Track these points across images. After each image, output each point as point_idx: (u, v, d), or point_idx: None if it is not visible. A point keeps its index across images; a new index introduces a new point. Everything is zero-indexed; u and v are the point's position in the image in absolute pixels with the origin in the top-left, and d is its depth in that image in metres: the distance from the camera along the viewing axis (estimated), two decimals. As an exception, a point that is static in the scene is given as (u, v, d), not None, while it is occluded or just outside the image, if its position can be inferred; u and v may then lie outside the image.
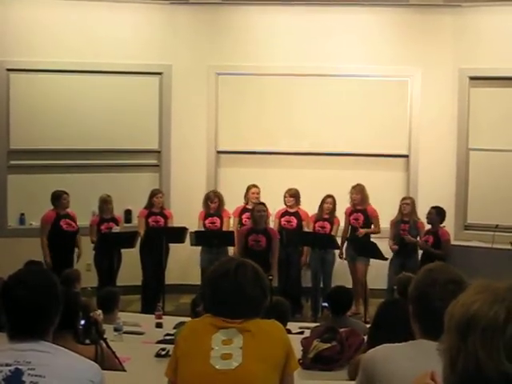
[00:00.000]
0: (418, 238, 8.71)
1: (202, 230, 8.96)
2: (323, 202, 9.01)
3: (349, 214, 9.13)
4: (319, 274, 8.84)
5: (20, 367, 2.26)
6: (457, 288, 2.24)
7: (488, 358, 1.22)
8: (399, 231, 8.77)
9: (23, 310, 2.34)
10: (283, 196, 9.13)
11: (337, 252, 8.97)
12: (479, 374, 1.22)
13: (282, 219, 9.12)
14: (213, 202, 9.01)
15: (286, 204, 9.15)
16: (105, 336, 4.18)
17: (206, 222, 9.06)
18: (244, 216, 9.14)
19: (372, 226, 9.02)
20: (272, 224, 8.98)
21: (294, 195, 9.10)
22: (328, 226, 8.99)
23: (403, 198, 9.00)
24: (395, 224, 8.87)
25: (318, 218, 9.05)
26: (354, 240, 8.93)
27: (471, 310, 1.26)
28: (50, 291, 2.40)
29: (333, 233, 8.98)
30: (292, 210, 9.13)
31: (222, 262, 2.83)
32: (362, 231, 8.95)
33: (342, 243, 9.08)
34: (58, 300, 2.42)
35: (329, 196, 9.03)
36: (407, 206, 8.80)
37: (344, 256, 9.06)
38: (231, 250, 8.86)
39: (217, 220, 9.07)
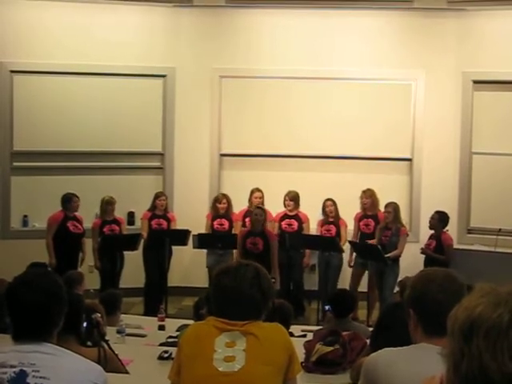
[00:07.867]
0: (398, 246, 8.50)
1: (205, 232, 8.95)
2: (324, 206, 9.00)
3: (358, 219, 9.04)
4: (325, 277, 8.81)
5: (25, 369, 2.27)
6: (453, 284, 2.29)
7: (492, 360, 1.22)
8: (382, 237, 8.58)
9: (28, 312, 2.35)
10: (283, 199, 9.12)
11: (344, 256, 8.88)
12: (483, 377, 1.23)
13: (283, 222, 9.08)
14: (221, 203, 9.02)
15: (285, 207, 9.13)
16: (107, 338, 4.18)
17: (215, 223, 9.06)
18: (247, 220, 9.14)
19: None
20: (270, 227, 8.96)
21: (293, 198, 9.08)
22: (333, 228, 8.96)
23: (385, 206, 8.68)
24: (380, 230, 8.67)
25: (324, 222, 9.04)
26: (355, 243, 8.89)
27: (475, 313, 1.27)
28: (54, 293, 2.40)
29: (341, 235, 8.91)
30: (292, 213, 9.11)
31: (230, 263, 2.93)
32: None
33: (352, 252, 8.94)
34: (63, 302, 2.43)
35: (328, 199, 9.01)
36: (389, 215, 8.55)
37: (353, 263, 8.95)
38: (235, 253, 8.82)
39: (225, 222, 9.07)
